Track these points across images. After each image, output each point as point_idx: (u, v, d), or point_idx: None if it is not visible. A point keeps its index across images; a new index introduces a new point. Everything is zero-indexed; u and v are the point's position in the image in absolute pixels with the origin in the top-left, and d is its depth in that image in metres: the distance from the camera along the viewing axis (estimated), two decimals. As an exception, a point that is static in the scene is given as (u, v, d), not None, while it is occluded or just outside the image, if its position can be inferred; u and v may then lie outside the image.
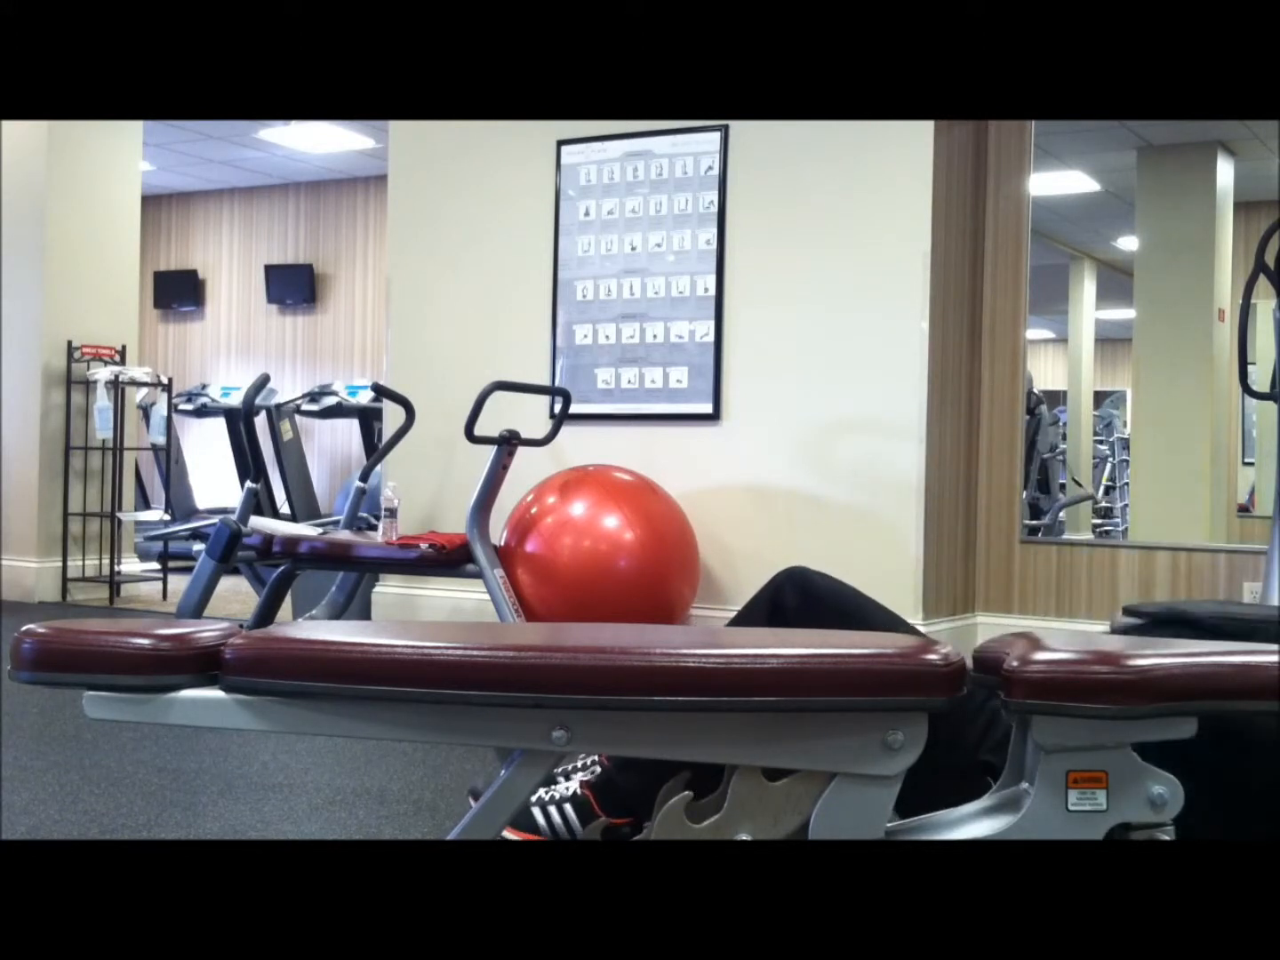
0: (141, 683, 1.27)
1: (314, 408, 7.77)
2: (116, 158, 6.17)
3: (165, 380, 6.28)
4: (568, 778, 1.99)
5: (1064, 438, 7.45)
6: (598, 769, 1.96)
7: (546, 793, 1.90)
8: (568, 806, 1.86)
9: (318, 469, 9.01)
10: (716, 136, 4.46)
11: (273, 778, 2.76)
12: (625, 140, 4.59)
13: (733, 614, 1.94)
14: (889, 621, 1.80)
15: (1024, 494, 4.73)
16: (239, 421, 6.80)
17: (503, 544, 4.05)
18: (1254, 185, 7.17)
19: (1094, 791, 1.28)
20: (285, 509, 7.58)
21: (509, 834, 1.85)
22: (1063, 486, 7.07)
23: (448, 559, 3.92)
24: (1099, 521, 7.80)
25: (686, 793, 1.33)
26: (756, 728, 1.28)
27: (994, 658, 1.34)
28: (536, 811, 1.90)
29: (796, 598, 1.82)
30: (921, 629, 4.08)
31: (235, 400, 7.66)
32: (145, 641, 1.28)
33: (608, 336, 4.64)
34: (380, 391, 4.72)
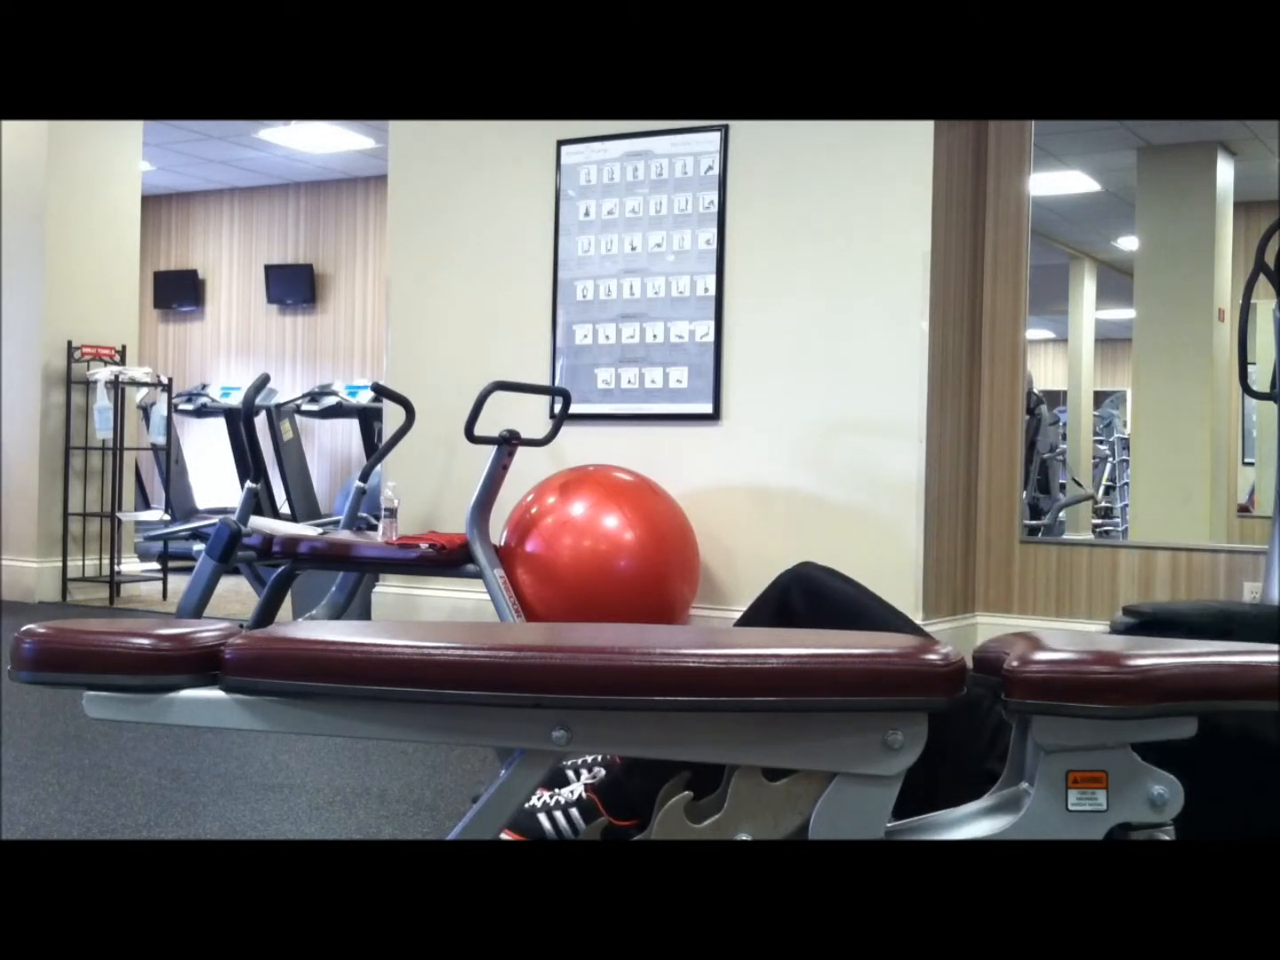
0: (141, 683, 1.27)
1: (314, 408, 7.77)
2: (116, 158, 6.17)
3: (165, 380, 6.28)
4: (577, 774, 1.98)
5: (1064, 438, 7.45)
6: (601, 771, 1.96)
7: (552, 797, 1.89)
8: (573, 811, 1.85)
9: (318, 469, 9.01)
10: (716, 136, 4.46)
11: (273, 778, 2.76)
12: (625, 140, 4.59)
13: (733, 614, 1.94)
14: (897, 622, 1.80)
15: (1024, 494, 4.73)
16: (239, 421, 6.80)
17: (503, 544, 4.05)
18: (1254, 185, 7.17)
19: (1094, 791, 1.28)
20: (285, 509, 7.58)
21: (513, 839, 1.85)
22: (1063, 486, 7.07)
23: (448, 559, 3.92)
24: (1099, 521, 7.81)
25: (686, 793, 1.33)
26: (756, 728, 1.28)
27: (994, 658, 1.34)
28: (542, 817, 1.89)
29: (804, 601, 1.82)
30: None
31: (235, 400, 7.66)
32: (145, 641, 1.28)
33: (608, 336, 4.64)
34: (380, 391, 4.72)
